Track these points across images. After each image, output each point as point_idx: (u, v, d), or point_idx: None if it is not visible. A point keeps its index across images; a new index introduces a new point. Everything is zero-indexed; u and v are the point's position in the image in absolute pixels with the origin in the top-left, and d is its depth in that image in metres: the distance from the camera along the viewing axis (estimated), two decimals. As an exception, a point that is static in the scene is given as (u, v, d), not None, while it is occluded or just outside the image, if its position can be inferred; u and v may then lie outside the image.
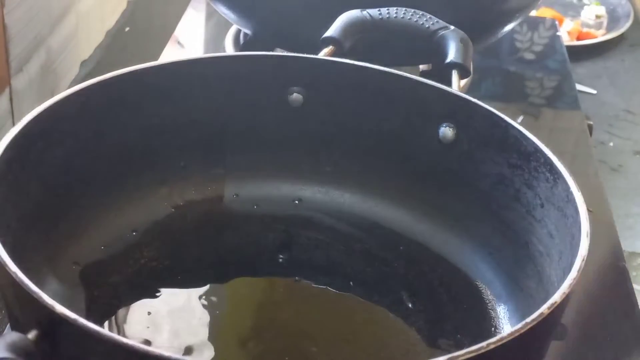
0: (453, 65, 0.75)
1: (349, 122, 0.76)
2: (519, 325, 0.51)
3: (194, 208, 0.75)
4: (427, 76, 0.75)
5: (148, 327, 0.64)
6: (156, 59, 0.82)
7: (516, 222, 0.69)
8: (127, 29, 1.23)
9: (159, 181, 0.75)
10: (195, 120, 0.75)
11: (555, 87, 1.16)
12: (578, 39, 1.65)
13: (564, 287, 0.54)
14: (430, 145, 0.74)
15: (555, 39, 1.25)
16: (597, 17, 1.71)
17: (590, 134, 1.08)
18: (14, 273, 0.51)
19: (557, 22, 1.31)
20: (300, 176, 0.78)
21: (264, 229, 0.75)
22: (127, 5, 1.27)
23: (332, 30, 0.77)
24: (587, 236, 0.58)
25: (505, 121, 0.69)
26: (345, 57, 0.76)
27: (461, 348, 0.49)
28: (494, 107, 0.71)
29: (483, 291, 0.70)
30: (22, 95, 0.95)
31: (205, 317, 0.65)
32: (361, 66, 0.75)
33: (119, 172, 0.72)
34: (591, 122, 1.10)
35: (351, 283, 0.70)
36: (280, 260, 0.72)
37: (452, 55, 0.75)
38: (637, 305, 0.78)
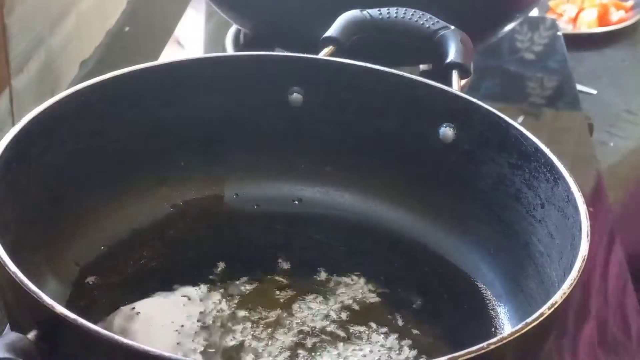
0: (453, 65, 0.75)
1: (349, 122, 0.76)
2: (520, 326, 0.51)
3: (194, 208, 0.75)
4: (427, 76, 0.75)
5: (148, 327, 0.64)
6: (156, 59, 0.82)
7: (516, 222, 0.69)
8: (127, 29, 1.23)
9: (159, 181, 0.75)
10: (195, 120, 0.75)
11: (556, 87, 1.16)
12: (603, 20, 1.64)
13: (565, 287, 0.54)
14: (430, 145, 0.74)
15: (555, 39, 1.25)
16: None
17: (591, 134, 1.08)
18: (14, 273, 0.51)
19: (557, 22, 1.31)
20: (300, 176, 0.78)
21: (264, 229, 0.75)
22: (127, 5, 1.27)
23: (332, 30, 0.77)
24: (587, 236, 0.58)
25: (505, 121, 0.69)
26: (345, 57, 0.76)
27: (461, 348, 0.49)
28: (494, 107, 0.71)
29: (483, 291, 0.70)
30: (22, 95, 0.95)
31: (205, 316, 0.65)
32: (361, 66, 0.75)
33: (119, 172, 0.72)
34: (592, 122, 1.10)
35: (350, 283, 0.70)
36: (280, 260, 0.72)
37: (452, 55, 0.75)
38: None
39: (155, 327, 0.64)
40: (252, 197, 0.77)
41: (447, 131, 0.73)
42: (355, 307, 0.68)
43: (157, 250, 0.71)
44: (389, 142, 0.76)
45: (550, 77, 1.17)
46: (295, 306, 0.67)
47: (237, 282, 0.69)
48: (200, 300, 0.67)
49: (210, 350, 0.62)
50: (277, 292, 0.68)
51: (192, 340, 0.63)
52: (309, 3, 0.91)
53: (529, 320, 0.51)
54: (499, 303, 0.69)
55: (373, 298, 0.69)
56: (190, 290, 0.68)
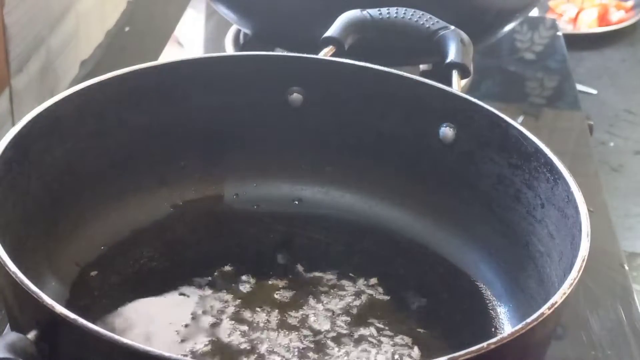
0: (453, 65, 0.75)
1: (349, 122, 0.76)
2: (520, 326, 0.51)
3: (194, 208, 0.75)
4: (427, 76, 0.75)
5: (148, 327, 0.64)
6: (156, 59, 0.82)
7: (516, 222, 0.69)
8: (127, 29, 1.24)
9: (159, 181, 0.75)
10: (195, 120, 0.75)
11: (556, 87, 1.16)
12: (603, 20, 1.65)
13: (565, 288, 0.54)
14: (430, 145, 0.74)
15: (555, 39, 1.25)
16: None
17: (591, 134, 1.08)
18: (14, 273, 0.51)
19: (557, 22, 1.31)
20: (300, 176, 0.78)
21: (264, 229, 0.75)
22: (127, 5, 1.27)
23: (332, 30, 0.77)
24: (587, 236, 0.58)
25: (505, 121, 0.69)
26: (345, 57, 0.76)
27: (461, 348, 0.49)
28: (494, 107, 0.71)
29: (483, 291, 0.70)
30: (22, 95, 0.95)
31: (205, 317, 0.65)
32: (361, 66, 0.75)
33: (119, 172, 0.72)
34: (591, 122, 1.10)
35: (351, 283, 0.70)
36: (280, 260, 0.72)
37: (452, 55, 0.75)
38: (637, 305, 0.78)
39: (155, 327, 0.64)
40: (252, 197, 0.77)
41: (447, 131, 0.73)
42: (356, 307, 0.68)
43: (157, 250, 0.71)
44: (389, 142, 0.76)
45: (550, 77, 1.17)
46: (295, 306, 0.67)
47: (237, 282, 0.69)
48: (200, 300, 0.67)
49: (210, 350, 0.62)
50: (277, 293, 0.68)
51: (192, 341, 0.63)
52: (309, 3, 0.91)
53: (529, 320, 0.51)
54: (499, 303, 0.69)
55: (373, 298, 0.69)
56: (190, 290, 0.68)
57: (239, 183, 0.77)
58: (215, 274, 0.70)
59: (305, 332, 0.65)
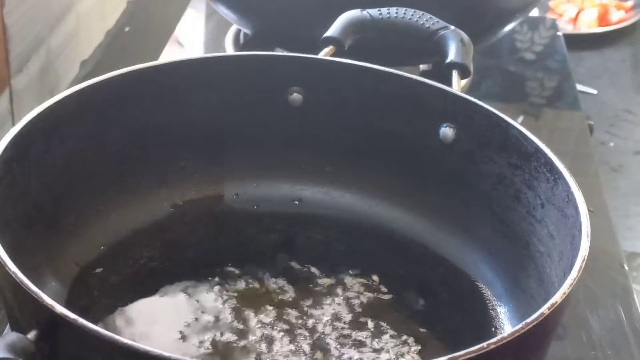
0: (453, 65, 0.75)
1: (349, 122, 0.76)
2: (520, 326, 0.51)
3: (194, 208, 0.75)
4: (427, 76, 0.75)
5: (148, 327, 0.64)
6: (156, 59, 0.82)
7: (516, 222, 0.69)
8: (127, 29, 1.24)
9: (159, 181, 0.75)
10: (195, 120, 0.75)
11: (556, 87, 1.16)
12: (603, 20, 1.65)
13: (565, 288, 0.54)
14: (430, 145, 0.74)
15: (555, 39, 1.25)
16: None
17: (591, 134, 1.08)
18: (14, 273, 0.51)
19: (557, 22, 1.31)
20: (300, 176, 0.78)
21: (264, 229, 0.75)
22: (127, 5, 1.27)
23: (332, 30, 0.77)
24: (587, 236, 0.58)
25: (505, 121, 0.69)
26: (345, 57, 0.76)
27: (461, 348, 0.49)
28: (494, 107, 0.71)
29: (483, 291, 0.70)
30: (22, 95, 0.95)
31: (205, 317, 0.65)
32: (361, 66, 0.75)
33: (118, 172, 0.72)
34: (591, 122, 1.10)
35: (351, 283, 0.70)
36: (280, 260, 0.72)
37: (452, 55, 0.75)
38: (637, 305, 0.78)
39: (156, 327, 0.64)
40: (252, 197, 0.77)
41: (447, 131, 0.73)
42: (355, 307, 0.68)
43: (157, 250, 0.71)
44: (389, 142, 0.76)
45: (550, 77, 1.17)
46: (295, 306, 0.67)
47: (237, 282, 0.69)
48: (200, 300, 0.67)
49: (210, 350, 0.62)
50: (277, 293, 0.68)
51: (192, 341, 0.63)
52: (309, 3, 0.91)
53: (529, 320, 0.51)
54: (499, 303, 0.69)
55: (373, 298, 0.69)
56: (190, 290, 0.68)
57: (239, 183, 0.77)
58: (215, 274, 0.70)
59: (305, 332, 0.65)
